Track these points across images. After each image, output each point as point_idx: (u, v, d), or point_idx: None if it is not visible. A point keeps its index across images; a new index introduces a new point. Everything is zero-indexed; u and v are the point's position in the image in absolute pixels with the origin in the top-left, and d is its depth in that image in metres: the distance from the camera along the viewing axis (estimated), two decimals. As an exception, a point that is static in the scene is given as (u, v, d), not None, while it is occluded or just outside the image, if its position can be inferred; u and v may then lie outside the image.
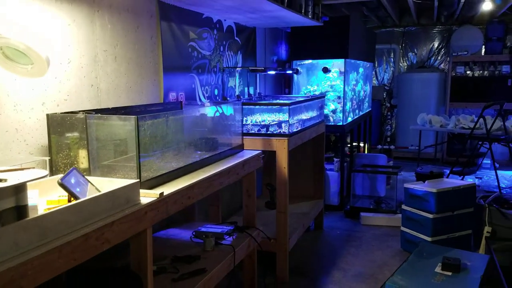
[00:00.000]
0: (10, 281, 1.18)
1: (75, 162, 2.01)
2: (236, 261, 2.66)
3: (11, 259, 1.20)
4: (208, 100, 3.64)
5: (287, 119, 3.32)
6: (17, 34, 1.71)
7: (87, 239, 1.45)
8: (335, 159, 5.31)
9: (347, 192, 5.42)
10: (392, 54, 9.00)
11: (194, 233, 2.88)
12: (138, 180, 1.77)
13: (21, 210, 1.30)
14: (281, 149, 3.27)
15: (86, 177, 1.78)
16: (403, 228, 4.04)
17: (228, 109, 2.93)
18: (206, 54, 3.59)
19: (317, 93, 5.33)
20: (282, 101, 3.68)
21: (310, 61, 5.40)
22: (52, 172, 2.04)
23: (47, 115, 2.02)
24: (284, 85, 5.59)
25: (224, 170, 2.45)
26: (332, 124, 5.25)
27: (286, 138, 3.25)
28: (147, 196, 1.84)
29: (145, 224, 1.77)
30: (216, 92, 3.79)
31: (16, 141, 1.95)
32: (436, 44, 8.65)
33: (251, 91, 4.50)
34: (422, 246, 3.47)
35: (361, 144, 7.50)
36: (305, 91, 5.43)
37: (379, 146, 8.80)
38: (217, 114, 2.85)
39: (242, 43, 4.26)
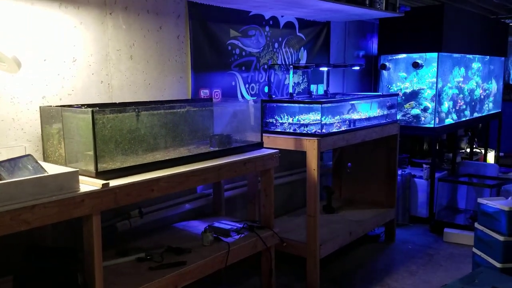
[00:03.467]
0: None
1: (57, 151, 2.25)
2: (231, 259, 2.63)
3: None
4: (254, 98, 3.63)
5: (319, 118, 3.12)
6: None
7: (-4, 218, 1.63)
8: (424, 166, 4.76)
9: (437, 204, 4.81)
10: (542, 46, 7.63)
11: (207, 227, 2.93)
12: (77, 169, 1.90)
13: None
14: (311, 150, 3.08)
15: (42, 163, 1.98)
16: (474, 250, 3.44)
17: (246, 107, 2.89)
18: (253, 51, 3.57)
19: (408, 91, 4.85)
20: (316, 100, 3.46)
21: (403, 55, 4.92)
22: (44, 159, 2.31)
23: (40, 107, 2.29)
24: (373, 82, 5.21)
25: (210, 167, 2.44)
26: (422, 125, 4.72)
27: (317, 138, 3.06)
28: (91, 185, 1.96)
29: (82, 211, 1.89)
30: (266, 90, 3.75)
31: (13, 129, 2.26)
32: None
33: (320, 89, 4.32)
34: (479, 271, 2.92)
35: (481, 151, 6.56)
36: (396, 89, 4.97)
37: (517, 155, 7.55)
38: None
39: (308, 39, 4.11)
